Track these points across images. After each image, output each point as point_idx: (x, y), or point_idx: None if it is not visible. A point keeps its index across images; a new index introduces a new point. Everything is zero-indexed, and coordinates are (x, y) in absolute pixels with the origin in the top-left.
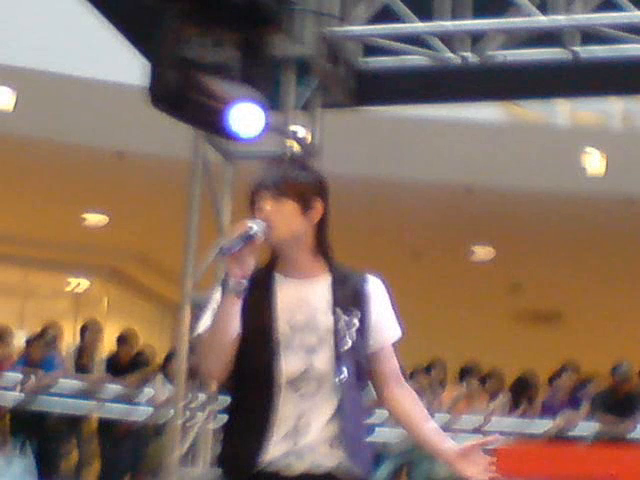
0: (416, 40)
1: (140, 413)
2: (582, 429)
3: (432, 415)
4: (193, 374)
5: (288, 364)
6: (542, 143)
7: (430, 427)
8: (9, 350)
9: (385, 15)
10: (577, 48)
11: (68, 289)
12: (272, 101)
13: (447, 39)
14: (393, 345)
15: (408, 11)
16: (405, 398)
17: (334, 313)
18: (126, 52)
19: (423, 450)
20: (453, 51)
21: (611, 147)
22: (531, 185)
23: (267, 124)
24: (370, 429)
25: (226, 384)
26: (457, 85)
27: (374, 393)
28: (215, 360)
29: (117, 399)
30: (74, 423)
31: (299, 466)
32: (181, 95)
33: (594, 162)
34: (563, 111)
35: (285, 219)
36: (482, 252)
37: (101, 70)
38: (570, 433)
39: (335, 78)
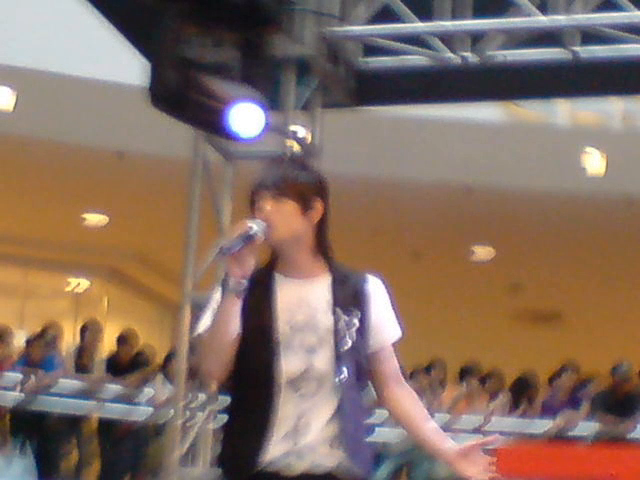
0: (416, 40)
1: (140, 413)
2: (582, 429)
3: (432, 415)
4: (193, 374)
5: (288, 364)
6: (542, 143)
7: (430, 427)
8: (9, 350)
9: (385, 15)
10: (577, 48)
11: (68, 289)
12: (272, 101)
13: (447, 39)
14: (393, 345)
15: (408, 11)
16: (405, 398)
17: (334, 313)
18: (126, 52)
19: (423, 450)
20: (453, 51)
21: (611, 147)
22: (531, 185)
23: (267, 124)
24: (370, 429)
25: (226, 384)
26: (457, 85)
27: (374, 393)
28: (215, 360)
29: (117, 399)
30: (74, 423)
31: (299, 466)
32: (181, 95)
33: (594, 162)
34: (563, 111)
35: (285, 219)
36: (482, 252)
37: (101, 70)
38: (570, 433)
39: (335, 78)
